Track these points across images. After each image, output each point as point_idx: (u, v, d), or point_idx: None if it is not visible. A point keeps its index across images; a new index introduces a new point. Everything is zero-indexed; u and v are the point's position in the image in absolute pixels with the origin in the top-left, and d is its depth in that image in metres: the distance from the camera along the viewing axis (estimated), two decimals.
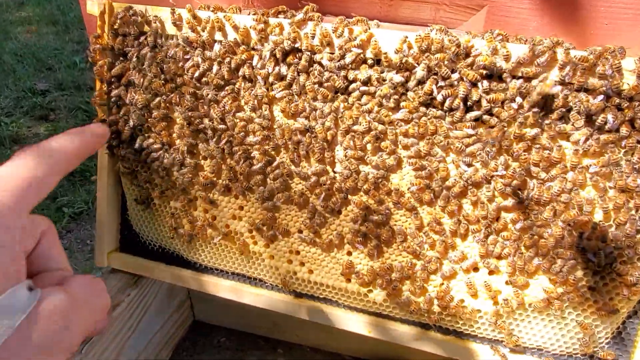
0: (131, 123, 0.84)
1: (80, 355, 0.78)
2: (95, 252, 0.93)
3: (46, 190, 0.38)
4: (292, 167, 0.78)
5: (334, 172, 0.76)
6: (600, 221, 0.66)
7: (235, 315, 1.15)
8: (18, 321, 0.32)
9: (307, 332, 1.09)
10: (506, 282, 0.73)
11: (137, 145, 0.85)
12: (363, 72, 0.70)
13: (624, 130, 0.63)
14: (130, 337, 0.92)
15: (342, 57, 0.71)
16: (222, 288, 0.88)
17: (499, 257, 0.72)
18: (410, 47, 0.68)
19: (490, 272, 0.74)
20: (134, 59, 0.81)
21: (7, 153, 3.15)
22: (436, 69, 0.67)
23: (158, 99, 0.81)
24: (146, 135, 0.84)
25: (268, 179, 0.79)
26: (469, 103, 0.67)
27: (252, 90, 0.76)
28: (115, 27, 0.82)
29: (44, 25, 5.56)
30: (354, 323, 0.82)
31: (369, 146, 0.73)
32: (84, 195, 2.93)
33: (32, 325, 0.32)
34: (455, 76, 0.67)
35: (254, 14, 0.74)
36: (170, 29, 0.79)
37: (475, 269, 0.74)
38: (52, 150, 0.38)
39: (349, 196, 0.76)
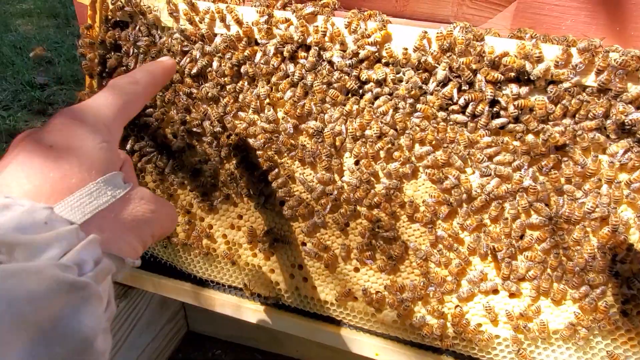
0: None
1: None
2: None
3: (133, 114, 0.48)
4: (297, 175, 0.71)
5: (342, 182, 0.70)
6: (637, 242, 0.59)
7: (232, 327, 1.09)
8: (119, 195, 0.40)
9: (309, 348, 1.03)
10: (529, 306, 0.66)
11: (128, 146, 0.78)
12: (378, 72, 0.64)
13: None
14: (118, 352, 0.85)
15: (355, 54, 0.64)
16: (218, 302, 0.81)
17: (522, 279, 0.65)
18: (430, 45, 0.61)
19: (512, 295, 0.67)
20: (128, 53, 0.75)
21: (3, 147, 3.09)
22: (458, 71, 0.61)
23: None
24: (139, 135, 0.78)
25: (269, 189, 0.73)
26: (495, 109, 0.61)
27: (254, 89, 0.70)
28: (107, 17, 0.75)
29: (44, 18, 5.49)
30: (360, 345, 0.76)
31: (381, 153, 0.67)
32: None
33: (125, 204, 0.41)
34: (479, 78, 0.60)
35: (258, 6, 0.67)
36: (167, 21, 0.73)
37: (495, 291, 0.67)
38: (133, 83, 0.47)
39: (358, 208, 0.69)
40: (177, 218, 0.51)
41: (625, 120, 0.57)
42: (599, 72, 0.57)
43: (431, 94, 0.63)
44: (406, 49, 0.62)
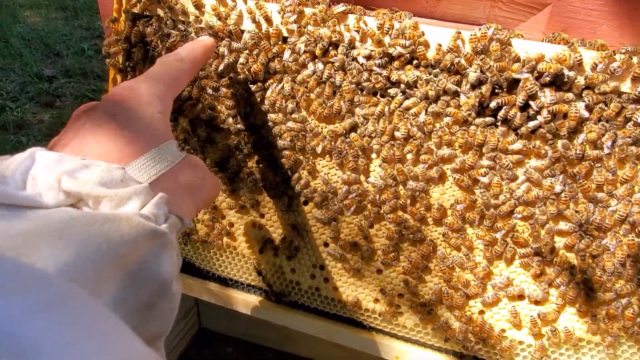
0: None
1: None
2: None
3: (180, 89, 0.53)
4: (321, 175, 0.71)
5: (367, 183, 0.69)
6: None
7: (244, 325, 1.08)
8: (177, 160, 0.45)
9: (322, 348, 1.02)
10: (554, 314, 0.66)
11: None
12: (409, 74, 0.63)
13: None
14: None
15: (386, 55, 0.64)
16: (237, 302, 0.81)
17: (550, 286, 0.65)
18: (463, 46, 0.61)
19: (537, 302, 0.66)
20: (152, 48, 0.74)
21: (11, 139, 3.09)
22: (488, 73, 0.60)
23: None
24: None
25: (293, 189, 0.72)
26: (529, 113, 0.60)
27: (281, 87, 0.69)
28: (132, 10, 0.75)
29: (53, 10, 5.49)
30: (380, 347, 0.75)
31: (409, 156, 0.66)
32: None
33: (182, 169, 0.46)
34: (509, 81, 0.60)
35: (288, 3, 0.67)
36: (193, 15, 0.72)
37: (521, 297, 0.67)
38: (179, 60, 0.52)
39: (383, 209, 0.69)
40: (220, 187, 0.58)
41: None
42: (634, 80, 0.57)
43: (465, 95, 0.62)
44: (440, 45, 0.61)
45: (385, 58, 0.64)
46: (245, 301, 0.81)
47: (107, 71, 0.83)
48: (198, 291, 0.83)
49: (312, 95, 0.68)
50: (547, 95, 0.59)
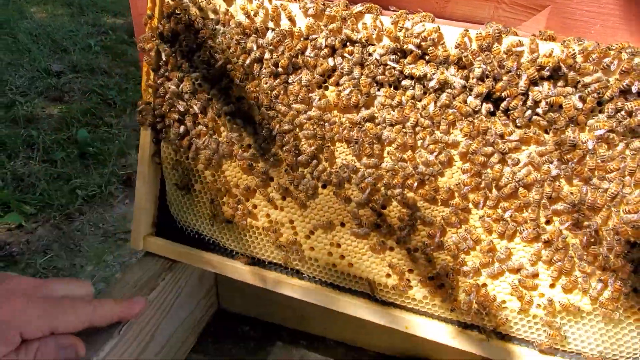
0: (176, 108, 0.83)
1: (119, 336, 0.79)
2: (131, 235, 0.93)
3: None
4: (339, 161, 0.78)
5: (381, 168, 0.76)
6: None
7: (261, 306, 1.15)
8: None
9: (334, 326, 1.09)
10: (551, 286, 0.73)
11: (181, 130, 0.84)
12: (420, 68, 0.70)
13: None
14: (163, 320, 0.92)
15: (400, 51, 0.70)
16: (261, 278, 0.88)
17: (549, 262, 0.72)
18: (470, 42, 0.67)
19: (535, 276, 0.73)
20: (184, 44, 0.81)
21: (22, 132, 3.16)
22: (489, 67, 0.67)
23: (203, 85, 0.81)
24: (191, 120, 0.84)
25: (313, 173, 0.79)
26: (528, 104, 0.67)
27: (302, 79, 0.76)
28: (166, 9, 0.81)
29: (59, 7, 5.55)
30: (393, 319, 0.82)
31: (419, 142, 0.73)
32: (97, 179, 2.94)
33: None
34: (512, 75, 0.67)
35: (311, 4, 0.73)
36: (223, 14, 0.79)
37: (520, 270, 0.74)
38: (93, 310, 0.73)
39: (395, 192, 0.75)
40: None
41: None
42: (623, 73, 0.64)
43: (469, 89, 0.69)
44: (443, 44, 0.68)
45: (399, 54, 0.71)
46: (267, 277, 0.88)
47: (140, 63, 0.89)
48: (222, 269, 0.90)
49: (330, 88, 0.75)
50: (546, 88, 0.66)
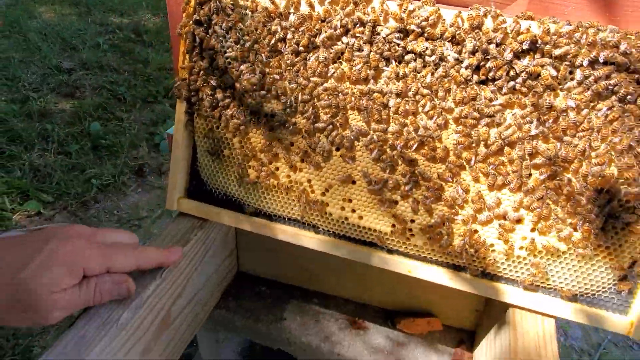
0: (209, 83, 0.96)
1: (160, 279, 0.91)
2: (167, 198, 1.06)
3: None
4: (352, 125, 0.91)
5: (389, 131, 0.89)
6: (616, 178, 0.79)
7: (276, 268, 1.28)
8: None
9: (341, 284, 1.22)
10: (532, 230, 0.86)
11: (213, 102, 0.97)
12: (420, 45, 0.83)
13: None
14: (194, 273, 1.04)
15: (403, 30, 0.83)
16: (282, 232, 1.00)
17: (529, 209, 0.84)
18: (463, 22, 0.80)
19: (519, 221, 0.86)
20: (216, 27, 0.94)
21: (36, 126, 3.29)
22: (478, 43, 0.80)
23: (232, 63, 0.94)
24: (221, 93, 0.97)
25: (328, 137, 0.92)
26: (511, 74, 0.80)
27: (320, 56, 0.89)
28: None
29: (66, 6, 5.69)
30: (397, 264, 0.95)
31: (420, 109, 0.86)
32: (111, 169, 3.07)
33: None
34: (501, 52, 0.80)
35: None
36: (250, 1, 0.92)
37: (506, 217, 0.87)
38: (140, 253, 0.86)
39: (398, 151, 0.88)
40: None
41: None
42: (590, 45, 0.76)
43: (461, 61, 0.82)
44: (443, 21, 0.81)
45: (402, 33, 0.84)
46: (287, 231, 1.00)
47: (172, 49, 1.02)
48: (247, 225, 1.03)
49: (345, 64, 0.88)
50: (525, 60, 0.79)
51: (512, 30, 0.79)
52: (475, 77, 0.82)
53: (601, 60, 0.76)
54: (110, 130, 3.40)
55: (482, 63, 0.81)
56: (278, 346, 1.22)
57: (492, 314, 1.03)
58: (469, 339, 1.19)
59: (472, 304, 1.12)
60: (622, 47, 0.74)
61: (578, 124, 0.79)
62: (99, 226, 2.66)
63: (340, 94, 0.90)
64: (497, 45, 0.80)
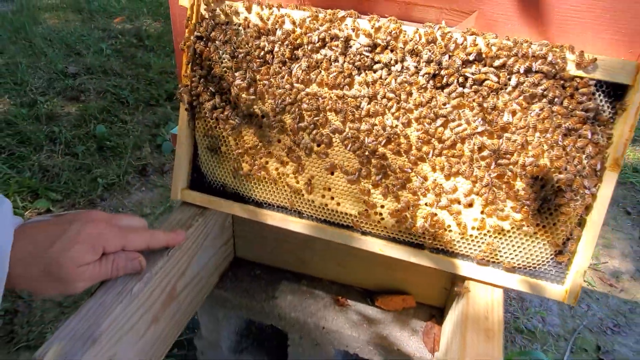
0: (208, 89, 1.12)
1: (167, 257, 1.07)
2: (172, 188, 1.21)
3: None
4: (329, 125, 1.06)
5: (361, 129, 1.04)
6: (548, 167, 0.94)
7: (269, 253, 1.43)
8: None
9: (327, 268, 1.37)
10: (481, 212, 1.01)
11: (211, 105, 1.13)
12: (386, 56, 0.99)
13: (565, 102, 0.91)
14: (196, 254, 1.20)
15: (372, 44, 0.99)
16: (271, 217, 1.16)
17: (478, 194, 1.00)
18: (420, 37, 0.96)
19: (471, 205, 1.02)
20: (215, 41, 1.09)
21: (44, 129, 3.45)
22: (433, 54, 0.95)
23: (228, 72, 1.10)
24: (219, 98, 1.12)
25: (310, 135, 1.07)
26: (460, 80, 0.95)
27: (302, 65, 1.04)
28: (201, 15, 1.10)
29: (70, 12, 5.87)
30: (369, 244, 1.10)
31: (387, 110, 1.01)
32: (116, 169, 3.23)
33: None
34: (452, 61, 0.95)
35: (307, 10, 1.02)
36: (243, 19, 1.07)
37: (460, 202, 1.02)
38: (151, 236, 1.02)
39: (372, 146, 1.04)
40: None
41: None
42: (524, 57, 0.92)
43: (419, 70, 0.97)
44: (404, 33, 0.97)
45: (371, 46, 0.99)
46: (275, 216, 1.16)
47: (176, 60, 1.17)
48: (241, 212, 1.18)
49: (324, 72, 1.04)
50: (472, 69, 0.94)
51: (461, 44, 0.94)
52: (432, 83, 0.98)
53: (534, 69, 0.92)
54: (114, 132, 3.55)
55: (437, 71, 0.96)
56: (270, 322, 1.37)
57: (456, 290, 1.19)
58: (439, 314, 1.34)
59: (440, 283, 1.28)
60: (549, 58, 0.90)
61: (516, 122, 0.94)
62: None
63: (320, 98, 1.05)
64: (449, 56, 0.95)
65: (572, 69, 0.90)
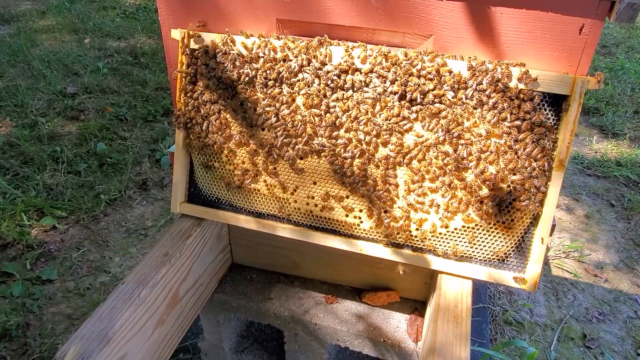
0: (200, 111, 1.24)
1: (169, 265, 1.19)
2: (171, 202, 1.33)
3: None
4: (311, 140, 1.19)
5: (337, 143, 1.17)
6: (502, 169, 1.06)
7: (263, 258, 1.55)
8: None
9: (318, 269, 1.49)
10: (446, 211, 1.13)
11: (204, 127, 1.25)
12: (354, 77, 1.11)
13: (514, 112, 1.04)
14: (195, 262, 1.32)
15: (344, 67, 1.12)
16: (261, 225, 1.28)
17: (443, 196, 1.12)
18: (386, 60, 1.09)
19: (438, 206, 1.14)
20: (203, 70, 1.22)
21: (46, 148, 3.57)
22: (397, 75, 1.08)
23: (217, 97, 1.22)
24: (209, 119, 1.25)
25: (294, 149, 1.20)
26: (421, 96, 1.08)
27: (284, 89, 1.17)
28: (189, 47, 1.23)
29: (66, 33, 6.02)
30: (351, 245, 1.22)
31: (359, 126, 1.14)
32: (117, 185, 3.36)
33: None
34: (414, 80, 1.08)
35: (286, 40, 1.15)
36: (228, 49, 1.20)
37: (429, 205, 1.14)
38: None
39: (346, 158, 1.16)
40: None
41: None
42: (473, 75, 1.05)
43: (387, 89, 1.10)
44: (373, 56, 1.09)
45: (342, 69, 1.12)
46: (265, 223, 1.28)
47: (171, 89, 1.30)
48: (234, 221, 1.30)
49: (301, 93, 1.16)
50: (431, 86, 1.07)
51: (422, 64, 1.07)
52: (397, 99, 1.10)
53: (484, 83, 1.04)
54: (114, 149, 3.68)
55: (402, 89, 1.09)
56: (267, 321, 1.49)
57: (434, 284, 1.31)
58: (422, 307, 1.46)
59: (422, 278, 1.40)
60: (497, 74, 1.02)
61: (473, 131, 1.07)
62: (109, 237, 2.93)
63: (300, 116, 1.18)
64: (410, 75, 1.08)
65: (518, 84, 1.03)
